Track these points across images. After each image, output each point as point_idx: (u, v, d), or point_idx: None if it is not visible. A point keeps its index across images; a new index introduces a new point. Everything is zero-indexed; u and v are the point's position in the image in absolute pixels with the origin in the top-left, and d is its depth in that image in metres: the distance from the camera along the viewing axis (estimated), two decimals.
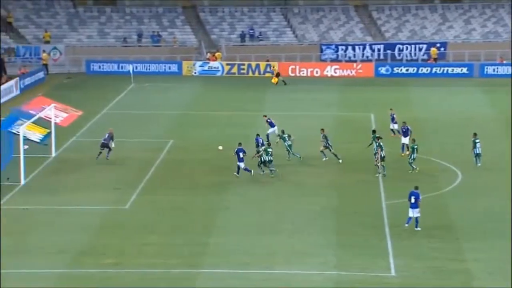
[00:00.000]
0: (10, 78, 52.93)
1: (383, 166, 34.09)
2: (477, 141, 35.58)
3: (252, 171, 33.67)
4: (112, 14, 66.84)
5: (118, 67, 59.43)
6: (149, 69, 59.66)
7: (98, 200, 31.05)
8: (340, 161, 35.79)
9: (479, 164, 35.48)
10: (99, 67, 59.82)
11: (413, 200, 27.83)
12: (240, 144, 34.02)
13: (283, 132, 36.95)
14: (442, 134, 42.18)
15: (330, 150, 36.02)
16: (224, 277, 24.07)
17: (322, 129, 36.45)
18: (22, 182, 32.72)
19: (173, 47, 63.93)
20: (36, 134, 38.62)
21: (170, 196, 31.79)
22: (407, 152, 35.73)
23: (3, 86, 49.96)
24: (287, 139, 36.35)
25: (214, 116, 46.52)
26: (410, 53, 64.06)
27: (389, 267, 24.82)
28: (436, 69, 59.92)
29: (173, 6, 68.07)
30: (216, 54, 61.51)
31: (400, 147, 37.56)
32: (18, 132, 34.20)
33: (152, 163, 36.11)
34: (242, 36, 65.86)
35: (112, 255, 25.47)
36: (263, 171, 34.01)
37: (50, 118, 38.06)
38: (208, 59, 61.09)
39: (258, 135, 36.35)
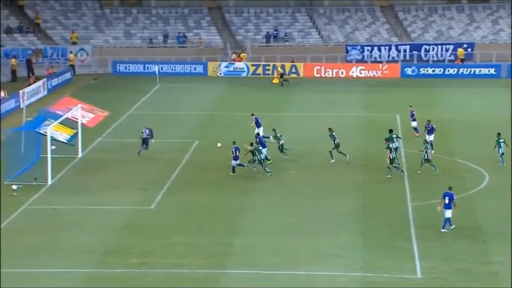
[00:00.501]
0: (38, 78, 53.41)
1: (395, 167, 33.86)
2: (501, 140, 35.42)
3: (234, 172, 34.12)
4: (138, 15, 67.21)
5: (144, 68, 59.72)
6: (175, 70, 59.90)
7: (124, 200, 31.21)
8: (332, 161, 35.79)
9: (503, 164, 35.24)
10: (125, 68, 60.18)
11: (447, 201, 27.64)
12: (234, 142, 34.47)
13: (274, 130, 37.02)
14: (469, 135, 41.84)
15: (333, 148, 35.82)
16: (249, 278, 24.08)
17: (330, 128, 36.36)
18: (49, 182, 32.99)
19: (199, 48, 64.13)
20: (63, 135, 39.00)
21: (196, 197, 31.87)
22: (432, 151, 35.62)
23: (31, 87, 50.45)
24: (281, 138, 36.40)
25: (239, 116, 46.56)
26: (437, 54, 63.63)
27: (415, 269, 24.68)
28: (463, 69, 59.47)
29: (198, 7, 68.28)
30: (241, 55, 61.60)
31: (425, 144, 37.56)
32: (46, 132, 34.51)
33: (177, 163, 36.24)
34: (267, 37, 65.88)
35: (138, 255, 25.58)
36: (254, 167, 34.38)
37: (77, 119, 38.35)
38: (233, 60, 61.20)
39: (258, 134, 36.41)
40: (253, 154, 34.57)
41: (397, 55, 63.46)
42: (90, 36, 64.55)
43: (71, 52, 60.61)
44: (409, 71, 59.60)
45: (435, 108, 47.48)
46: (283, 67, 57.81)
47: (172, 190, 32.67)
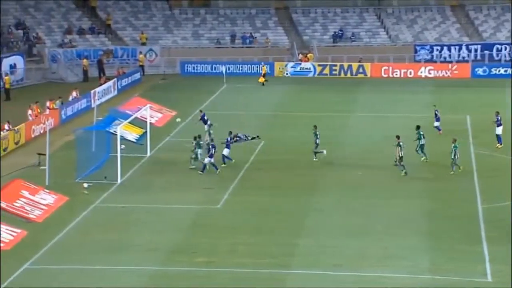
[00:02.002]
0: (108, 79, 54.46)
1: (401, 165, 33.60)
2: None
3: (217, 169, 34.31)
4: (206, 16, 67.81)
5: (212, 68, 60.16)
6: (242, 70, 60.17)
7: (191, 200, 31.51)
8: (315, 159, 35.83)
9: None
10: (193, 68, 60.78)
11: None
12: (212, 140, 34.61)
13: (212, 125, 37.55)
14: None
15: (316, 146, 35.90)
16: (314, 278, 23.99)
17: (315, 126, 36.44)
18: (119, 180, 33.52)
19: (266, 48, 64.26)
20: (132, 134, 39.77)
21: (261, 197, 31.93)
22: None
23: (101, 87, 51.46)
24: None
25: (305, 117, 46.46)
26: (509, 54, 62.15)
27: (485, 272, 24.18)
28: None
29: (266, 7, 68.44)
30: (308, 55, 61.49)
31: (496, 139, 37.12)
32: (116, 132, 35.15)
33: (243, 163, 36.39)
34: (335, 37, 65.57)
35: (204, 254, 25.79)
36: (193, 166, 34.67)
37: (146, 118, 38.95)
38: (300, 60, 61.13)
39: (231, 132, 36.47)
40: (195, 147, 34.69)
41: (468, 55, 62.28)
42: (159, 36, 65.43)
43: (140, 52, 61.59)
44: (480, 71, 58.42)
45: (507, 109, 46.34)
46: (267, 65, 57.86)
47: (238, 190, 32.82)
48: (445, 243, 26.62)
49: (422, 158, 35.61)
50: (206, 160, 34.39)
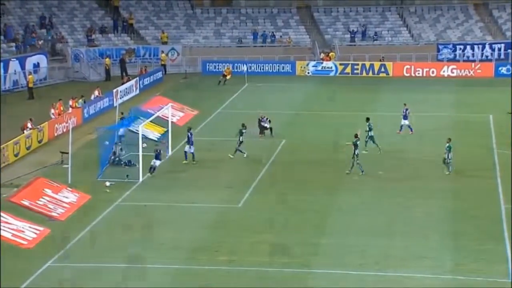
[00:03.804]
0: (130, 78, 54.68)
1: (358, 163, 33.59)
2: None
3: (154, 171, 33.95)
4: (228, 15, 67.91)
5: (233, 67, 60.11)
6: (263, 69, 60.18)
7: (213, 198, 31.57)
8: (231, 156, 36.15)
9: None
10: (215, 67, 60.88)
11: None
12: (157, 144, 34.85)
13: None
14: None
15: (238, 144, 36.24)
16: (336, 278, 23.96)
17: (243, 124, 36.83)
18: (140, 179, 33.67)
19: (287, 47, 64.23)
20: (154, 133, 39.93)
21: (283, 196, 31.87)
22: None
23: (123, 86, 51.70)
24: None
25: (326, 116, 46.41)
26: None
27: (508, 273, 24.00)
28: None
29: (287, 6, 68.41)
30: (330, 54, 61.37)
31: None
32: (137, 130, 35.31)
33: (264, 162, 36.40)
34: (353, 35, 65.29)
35: (226, 252, 25.83)
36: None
37: (167, 117, 39.09)
38: (322, 59, 61.02)
39: (189, 128, 36.45)
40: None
41: (491, 54, 61.82)
42: (181, 36, 65.63)
43: (162, 51, 61.81)
44: (503, 70, 57.96)
45: None
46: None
47: (259, 188, 32.83)
48: (468, 243, 26.46)
49: (379, 152, 36.39)
50: (156, 162, 33.96)
